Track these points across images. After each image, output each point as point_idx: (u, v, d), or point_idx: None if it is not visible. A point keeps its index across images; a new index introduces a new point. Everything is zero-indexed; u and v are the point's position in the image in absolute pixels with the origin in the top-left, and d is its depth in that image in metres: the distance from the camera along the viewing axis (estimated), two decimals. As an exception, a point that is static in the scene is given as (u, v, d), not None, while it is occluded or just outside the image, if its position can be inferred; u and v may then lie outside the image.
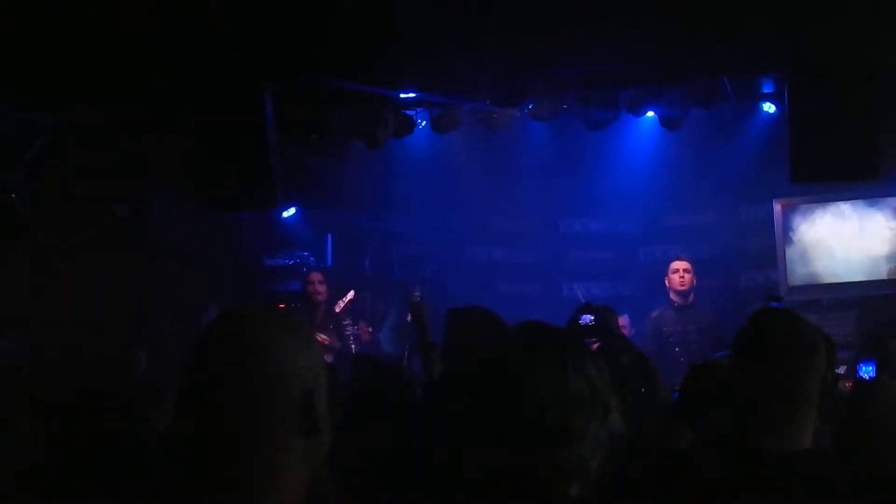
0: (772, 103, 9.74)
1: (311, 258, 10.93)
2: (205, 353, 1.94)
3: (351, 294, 9.94)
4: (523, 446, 2.19)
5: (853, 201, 10.30)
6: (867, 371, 5.69)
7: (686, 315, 9.62)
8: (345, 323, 9.85)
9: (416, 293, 9.63)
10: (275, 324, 1.95)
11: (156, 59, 7.85)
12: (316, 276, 10.06)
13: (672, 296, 9.84)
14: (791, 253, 10.52)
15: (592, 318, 5.35)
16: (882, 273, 10.24)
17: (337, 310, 9.86)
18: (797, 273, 10.50)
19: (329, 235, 11.26)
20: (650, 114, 9.82)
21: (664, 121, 9.71)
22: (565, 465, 2.18)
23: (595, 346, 5.39)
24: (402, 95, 9.63)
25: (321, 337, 9.67)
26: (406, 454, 3.66)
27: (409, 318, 9.52)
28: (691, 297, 9.83)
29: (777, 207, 10.53)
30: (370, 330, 10.12)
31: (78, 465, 2.79)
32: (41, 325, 8.03)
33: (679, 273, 9.83)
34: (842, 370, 8.26)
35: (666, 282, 9.92)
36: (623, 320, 9.26)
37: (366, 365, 6.80)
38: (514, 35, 8.03)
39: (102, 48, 7.66)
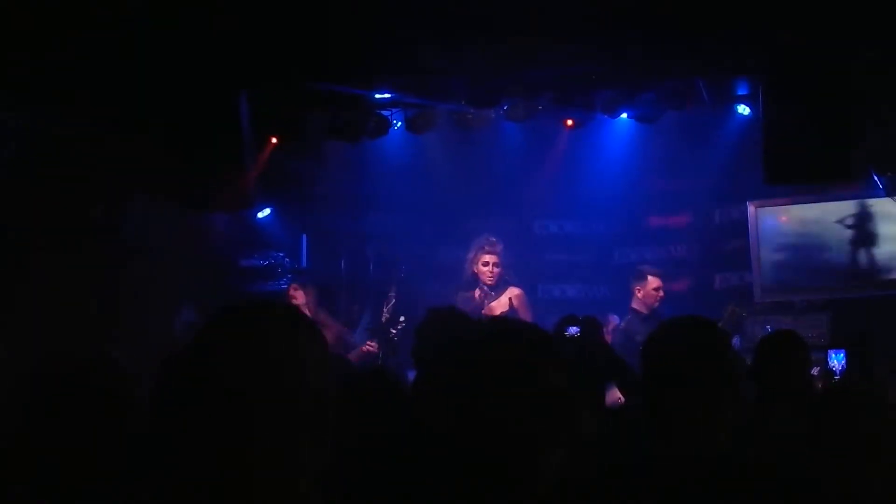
0: (746, 105, 9.77)
1: (287, 259, 10.90)
2: (214, 346, 1.86)
3: (392, 298, 9.63)
4: (486, 447, 2.20)
5: (826, 203, 10.34)
6: (838, 359, 5.72)
7: (652, 323, 9.47)
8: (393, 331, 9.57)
9: (391, 293, 9.67)
10: (286, 319, 1.90)
11: (131, 61, 7.82)
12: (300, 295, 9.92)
13: (640, 307, 9.73)
14: (765, 254, 10.56)
15: (578, 329, 5.38)
16: (856, 275, 10.30)
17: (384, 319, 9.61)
18: (771, 274, 10.55)
19: (304, 236, 11.24)
20: (624, 115, 9.85)
21: (639, 117, 9.75)
22: (529, 467, 2.19)
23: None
24: (377, 96, 9.63)
25: (370, 344, 9.59)
26: (384, 455, 3.66)
27: (384, 318, 9.56)
28: None
29: (751, 209, 10.57)
30: (346, 330, 10.10)
31: (64, 464, 2.77)
32: (15, 325, 7.99)
33: (660, 290, 9.75)
34: (815, 371, 8.31)
35: (639, 293, 9.74)
36: (612, 320, 9.28)
37: (344, 366, 6.79)
38: (489, 36, 8.04)
39: (76, 49, 7.62)
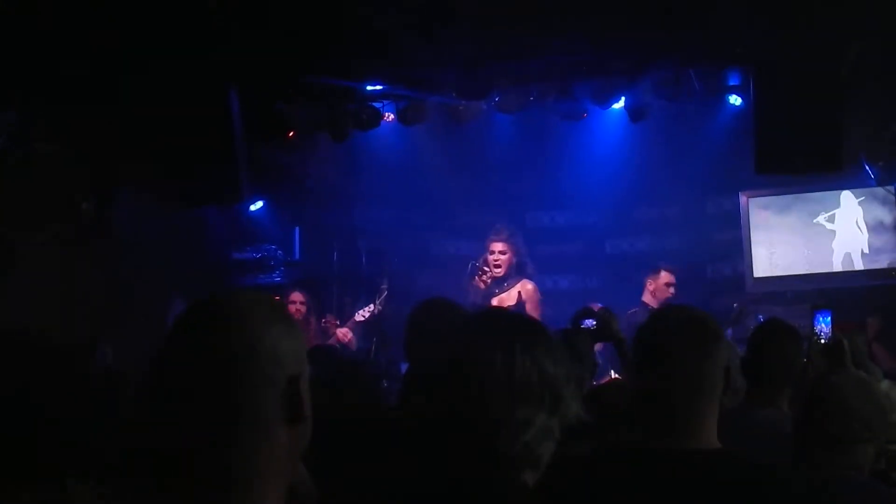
0: (738, 96, 9.78)
1: (279, 251, 10.88)
2: (186, 336, 1.86)
3: (384, 290, 9.82)
4: (469, 434, 2.21)
5: (817, 193, 10.37)
6: (825, 321, 5.68)
7: None
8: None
9: (383, 286, 9.71)
10: (259, 308, 1.88)
11: (122, 55, 7.82)
12: (297, 297, 9.97)
13: (650, 300, 9.78)
14: (757, 244, 10.58)
15: (594, 322, 5.39)
16: (846, 265, 10.32)
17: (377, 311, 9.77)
18: (762, 264, 10.57)
19: (296, 229, 11.22)
20: (616, 105, 9.84)
21: (631, 112, 9.73)
22: (511, 454, 2.20)
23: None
24: (368, 88, 9.62)
25: (342, 331, 9.71)
26: (371, 445, 3.66)
27: (376, 311, 9.60)
28: None
29: (743, 199, 10.60)
30: (337, 323, 10.10)
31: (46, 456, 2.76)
32: (5, 319, 7.97)
33: (672, 287, 9.79)
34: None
35: (650, 287, 9.87)
36: (596, 308, 9.28)
37: (325, 358, 6.78)
38: (480, 27, 8.03)
39: (68, 44, 7.61)
